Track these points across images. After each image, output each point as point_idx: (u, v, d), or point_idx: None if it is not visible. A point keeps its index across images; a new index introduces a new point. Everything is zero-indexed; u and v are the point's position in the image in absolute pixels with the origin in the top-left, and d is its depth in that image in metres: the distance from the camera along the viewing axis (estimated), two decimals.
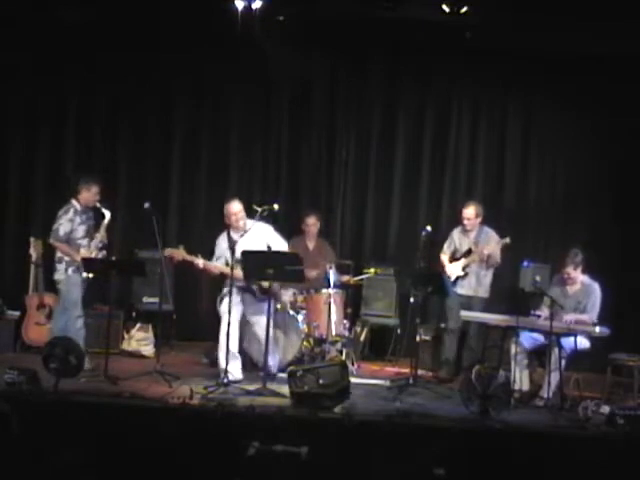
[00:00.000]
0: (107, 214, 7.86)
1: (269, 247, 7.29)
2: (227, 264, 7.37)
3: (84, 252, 7.71)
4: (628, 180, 9.39)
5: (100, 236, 7.79)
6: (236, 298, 7.39)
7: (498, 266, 8.27)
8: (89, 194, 7.80)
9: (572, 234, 9.14)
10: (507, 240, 8.14)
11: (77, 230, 7.78)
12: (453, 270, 8.20)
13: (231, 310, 7.22)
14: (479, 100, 9.74)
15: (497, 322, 7.40)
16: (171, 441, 5.37)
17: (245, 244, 7.30)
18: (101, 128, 9.61)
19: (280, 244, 7.60)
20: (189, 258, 7.40)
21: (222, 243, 7.53)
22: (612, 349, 7.73)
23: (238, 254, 7.16)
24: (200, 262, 7.39)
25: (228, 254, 7.38)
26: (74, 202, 7.81)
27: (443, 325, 8.34)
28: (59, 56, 9.31)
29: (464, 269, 8.14)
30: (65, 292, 7.77)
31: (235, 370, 7.38)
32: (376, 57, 9.59)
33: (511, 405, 6.70)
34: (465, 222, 8.26)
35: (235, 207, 7.49)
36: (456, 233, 8.40)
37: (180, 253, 7.42)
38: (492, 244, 8.12)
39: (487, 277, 8.23)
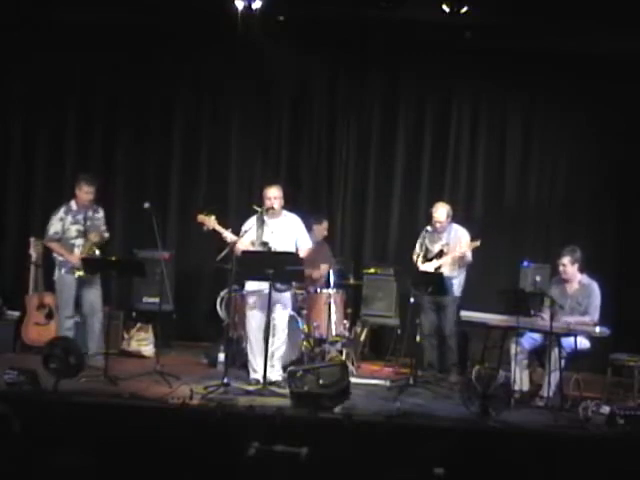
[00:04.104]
0: (99, 213, 7.93)
1: (269, 247, 7.30)
2: (252, 244, 7.37)
3: (77, 252, 7.73)
4: (629, 180, 9.39)
5: (92, 236, 7.78)
6: (259, 297, 7.33)
7: (470, 264, 8.20)
8: (80, 193, 7.84)
9: (572, 234, 9.12)
10: (477, 243, 8.08)
11: (69, 230, 7.82)
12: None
13: (259, 311, 7.25)
14: (479, 100, 9.73)
15: (497, 322, 7.39)
16: (171, 441, 5.36)
17: (275, 228, 7.38)
18: (101, 128, 9.62)
19: (305, 241, 7.59)
20: (219, 229, 7.38)
21: (251, 225, 7.45)
22: (612, 349, 7.74)
23: (267, 236, 7.30)
24: (229, 236, 7.34)
25: (254, 235, 7.38)
26: (71, 202, 7.87)
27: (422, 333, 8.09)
28: (59, 56, 9.31)
29: (436, 270, 8.09)
30: (58, 292, 7.88)
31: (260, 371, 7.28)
32: (376, 57, 9.58)
33: (511, 405, 6.71)
34: (437, 225, 8.18)
35: (272, 191, 7.45)
36: (427, 234, 8.32)
37: (211, 222, 7.38)
38: (463, 245, 8.06)
39: (460, 277, 8.18)
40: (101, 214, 7.97)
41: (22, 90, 9.48)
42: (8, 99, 9.49)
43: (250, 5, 7.83)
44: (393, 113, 9.76)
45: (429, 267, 8.08)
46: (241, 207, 9.18)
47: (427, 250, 8.25)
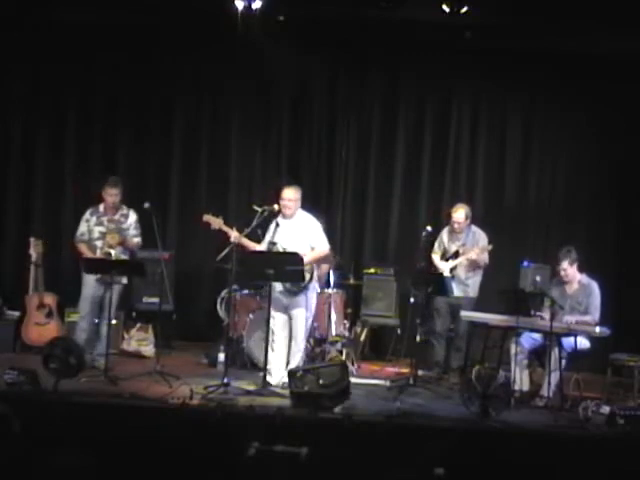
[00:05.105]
0: (129, 218, 7.92)
1: (276, 247, 7.30)
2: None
3: (99, 254, 7.75)
4: (628, 180, 9.39)
5: (110, 238, 7.77)
6: (274, 299, 7.28)
7: (486, 266, 8.29)
8: (105, 195, 7.86)
9: (572, 234, 9.13)
10: (490, 247, 8.19)
11: (93, 231, 7.86)
12: (443, 270, 8.21)
13: (276, 312, 7.21)
14: (479, 100, 9.73)
15: (497, 322, 7.40)
16: (171, 441, 5.36)
17: (286, 229, 7.38)
18: (101, 128, 9.62)
19: (320, 242, 7.51)
20: (225, 229, 7.36)
21: (271, 227, 7.48)
22: (612, 349, 7.74)
23: (277, 237, 7.29)
24: (234, 235, 7.30)
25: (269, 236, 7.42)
26: (100, 204, 7.91)
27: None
28: (59, 56, 9.31)
29: (452, 271, 8.15)
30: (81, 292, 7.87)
31: (277, 373, 7.28)
32: (376, 57, 9.58)
33: (511, 405, 6.71)
34: (455, 226, 8.29)
35: (287, 193, 7.44)
36: (445, 234, 8.42)
37: (217, 222, 7.37)
38: (477, 249, 8.13)
39: (475, 277, 8.26)
40: (131, 219, 7.92)
41: (22, 90, 9.48)
42: (8, 99, 9.49)
43: (250, 5, 7.82)
44: (393, 113, 9.76)
45: (445, 267, 8.13)
46: (241, 207, 9.19)
47: (445, 250, 8.31)
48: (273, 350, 7.31)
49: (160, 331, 8.33)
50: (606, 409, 6.46)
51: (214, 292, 8.93)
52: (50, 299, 8.47)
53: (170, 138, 9.71)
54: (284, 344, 7.39)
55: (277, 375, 7.23)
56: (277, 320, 7.33)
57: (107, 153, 9.63)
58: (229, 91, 9.66)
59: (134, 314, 8.88)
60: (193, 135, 9.74)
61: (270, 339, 7.23)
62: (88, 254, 7.76)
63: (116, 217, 7.89)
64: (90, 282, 7.76)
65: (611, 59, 8.84)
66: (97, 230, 7.85)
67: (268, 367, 7.17)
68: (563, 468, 5.50)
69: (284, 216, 7.43)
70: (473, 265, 8.18)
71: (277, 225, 7.39)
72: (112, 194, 7.83)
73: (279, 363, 7.31)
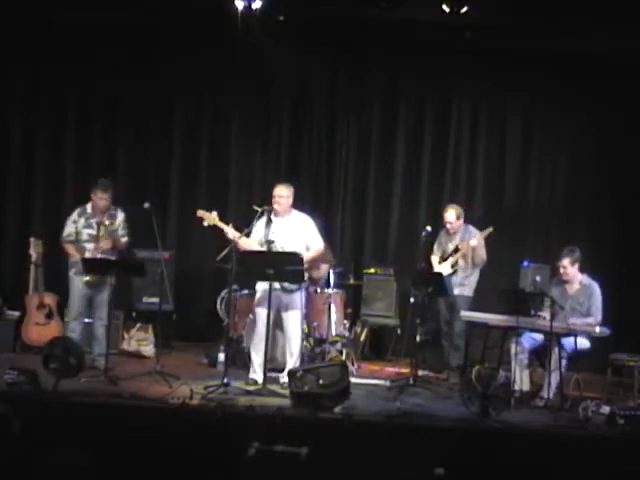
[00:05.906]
0: (117, 218, 7.88)
1: (274, 246, 7.28)
2: (260, 244, 7.32)
3: (88, 256, 7.73)
4: (629, 180, 9.39)
5: (103, 243, 7.75)
6: (265, 296, 7.20)
7: (484, 264, 8.32)
8: (95, 198, 7.81)
9: (572, 234, 9.14)
10: (490, 229, 8.23)
11: (81, 233, 7.83)
12: (442, 270, 8.23)
13: (265, 309, 7.14)
14: (479, 100, 9.74)
15: (497, 322, 7.40)
16: (171, 441, 5.36)
17: (281, 228, 7.34)
18: (101, 128, 9.62)
19: (316, 241, 7.50)
20: (220, 225, 7.28)
21: (260, 225, 7.41)
22: (612, 349, 7.75)
23: (272, 235, 7.24)
24: (230, 232, 7.24)
25: (262, 234, 7.34)
26: (87, 205, 7.86)
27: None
28: (59, 56, 9.32)
29: (453, 266, 8.21)
30: (69, 292, 7.85)
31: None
32: (376, 57, 9.59)
33: (511, 405, 6.71)
34: (448, 226, 8.34)
35: (278, 190, 7.40)
36: (442, 235, 8.48)
37: (211, 218, 7.28)
38: (478, 236, 8.21)
39: (473, 276, 8.30)
40: (119, 219, 7.88)
41: (22, 90, 9.48)
42: (8, 99, 9.49)
43: (250, 5, 7.82)
44: (393, 113, 9.76)
45: (445, 266, 8.19)
46: (241, 207, 9.19)
47: (444, 250, 8.34)
48: (255, 350, 7.32)
49: (160, 331, 8.33)
50: (606, 409, 6.46)
51: (214, 292, 8.93)
52: (50, 299, 8.46)
53: (170, 138, 9.71)
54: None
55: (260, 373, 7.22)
56: (261, 320, 7.25)
57: (107, 153, 9.63)
58: (229, 91, 9.66)
59: (134, 314, 8.88)
60: (193, 135, 9.74)
61: (252, 339, 7.34)
62: (76, 255, 7.73)
63: (105, 219, 7.85)
64: (78, 285, 7.76)
65: (611, 59, 8.85)
66: (86, 232, 7.81)
67: (255, 366, 7.26)
68: (563, 468, 5.50)
69: (276, 213, 7.38)
70: (473, 258, 8.18)
71: (270, 221, 7.32)
72: (103, 198, 7.79)
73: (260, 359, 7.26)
